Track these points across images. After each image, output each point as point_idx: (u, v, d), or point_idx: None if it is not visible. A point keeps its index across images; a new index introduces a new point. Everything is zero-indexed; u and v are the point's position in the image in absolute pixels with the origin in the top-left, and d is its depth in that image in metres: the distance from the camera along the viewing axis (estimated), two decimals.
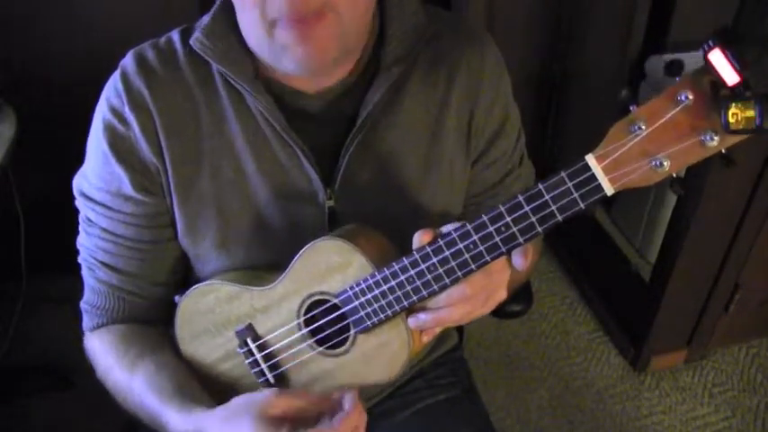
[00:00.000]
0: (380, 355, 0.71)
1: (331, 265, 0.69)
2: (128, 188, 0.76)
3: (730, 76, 0.48)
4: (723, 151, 0.53)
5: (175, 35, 0.78)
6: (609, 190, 0.56)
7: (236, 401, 0.68)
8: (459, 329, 1.12)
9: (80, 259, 0.83)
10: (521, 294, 1.07)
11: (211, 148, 0.76)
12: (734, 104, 0.49)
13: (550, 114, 2.08)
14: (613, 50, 1.78)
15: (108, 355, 0.81)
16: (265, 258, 0.79)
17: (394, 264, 0.65)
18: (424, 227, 0.78)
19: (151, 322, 0.85)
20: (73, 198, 0.81)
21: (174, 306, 0.81)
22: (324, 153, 0.77)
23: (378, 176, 0.78)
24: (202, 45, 0.73)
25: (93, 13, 1.65)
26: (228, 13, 0.74)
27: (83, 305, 0.85)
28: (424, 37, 0.77)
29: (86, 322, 0.85)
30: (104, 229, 0.79)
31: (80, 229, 0.82)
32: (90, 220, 0.80)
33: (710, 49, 0.49)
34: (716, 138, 0.51)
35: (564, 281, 2.06)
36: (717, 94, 0.50)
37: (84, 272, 0.83)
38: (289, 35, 0.65)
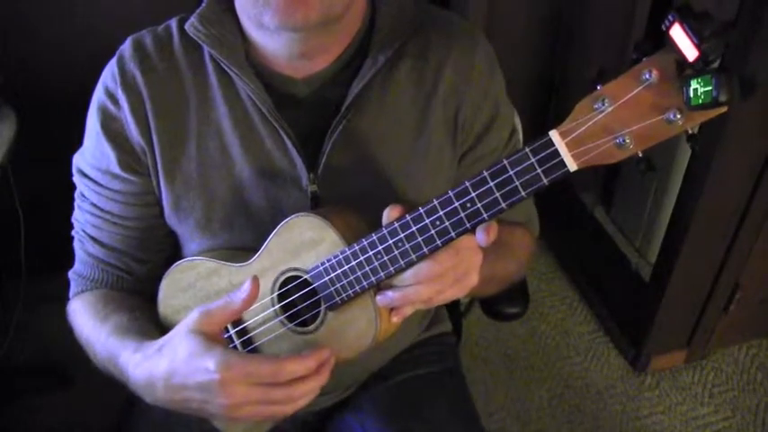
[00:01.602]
0: (348, 332, 0.71)
1: (304, 241, 0.70)
2: (115, 167, 0.79)
3: (690, 50, 0.49)
4: (690, 131, 0.54)
5: (173, 22, 0.81)
6: (572, 166, 0.56)
7: (176, 327, 0.70)
8: (456, 323, 1.12)
9: (73, 232, 0.87)
10: (517, 296, 1.07)
11: (198, 130, 0.78)
12: (694, 80, 0.50)
13: (550, 114, 2.08)
14: (613, 51, 1.78)
15: (85, 312, 0.83)
16: (249, 241, 0.80)
17: (363, 239, 0.66)
18: None
19: (134, 294, 0.87)
20: (71, 175, 0.84)
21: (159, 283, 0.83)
22: (309, 138, 0.78)
23: (361, 163, 0.79)
24: (196, 30, 0.76)
25: (94, 14, 1.65)
26: None
27: (71, 274, 0.88)
28: (412, 26, 0.78)
29: (72, 289, 0.88)
30: (94, 205, 0.83)
31: (75, 204, 0.86)
32: (83, 195, 0.84)
33: (671, 24, 0.50)
34: (679, 115, 0.52)
35: (564, 281, 2.06)
36: (681, 73, 0.51)
37: (76, 244, 0.87)
38: None
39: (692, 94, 0.50)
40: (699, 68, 0.50)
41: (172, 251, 0.88)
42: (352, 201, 0.76)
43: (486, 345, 1.88)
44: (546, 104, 2.07)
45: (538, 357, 1.85)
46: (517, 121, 1.09)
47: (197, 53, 0.78)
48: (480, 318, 1.07)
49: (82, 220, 0.85)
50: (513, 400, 1.73)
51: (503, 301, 1.06)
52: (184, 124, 0.78)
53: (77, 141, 0.85)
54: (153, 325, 0.81)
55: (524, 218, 0.92)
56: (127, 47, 0.80)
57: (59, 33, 1.65)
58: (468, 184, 0.60)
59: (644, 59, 0.53)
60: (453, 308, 1.13)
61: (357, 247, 0.66)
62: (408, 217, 0.63)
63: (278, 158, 0.78)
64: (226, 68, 0.76)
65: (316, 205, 0.79)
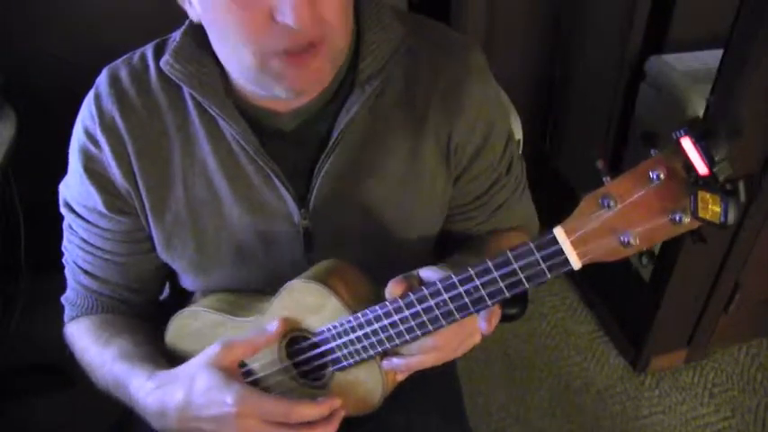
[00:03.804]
0: (356, 391, 0.73)
1: (308, 306, 0.71)
2: (101, 207, 0.78)
3: (700, 165, 0.48)
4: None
5: (149, 52, 0.77)
6: (576, 264, 0.55)
7: (194, 359, 0.71)
8: None
9: (63, 260, 0.86)
10: (516, 298, 1.06)
11: (184, 170, 0.76)
12: (703, 193, 0.49)
13: (550, 114, 2.08)
14: (613, 50, 1.78)
15: (85, 336, 0.82)
16: (243, 278, 0.80)
17: (368, 311, 0.67)
18: (400, 246, 0.78)
19: (133, 316, 0.86)
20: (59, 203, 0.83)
21: (159, 306, 0.83)
22: (298, 173, 0.76)
23: (353, 196, 0.77)
24: (172, 68, 0.72)
25: (94, 13, 1.65)
26: (199, 28, 0.71)
27: (64, 300, 0.87)
28: (398, 51, 0.75)
29: (67, 314, 0.87)
30: (84, 240, 0.81)
31: (64, 234, 0.84)
32: (72, 228, 0.82)
33: (681, 137, 0.49)
34: (686, 219, 0.51)
35: (564, 281, 2.06)
36: (689, 175, 0.50)
37: (67, 273, 0.86)
38: (286, 66, 0.64)
39: (700, 206, 0.49)
40: (708, 182, 0.48)
41: (169, 277, 0.87)
42: (344, 235, 0.77)
43: (486, 345, 1.88)
44: (546, 104, 2.07)
45: (538, 357, 1.85)
46: (516, 125, 1.07)
47: (175, 89, 0.75)
48: None
49: (72, 252, 0.83)
50: (513, 400, 1.73)
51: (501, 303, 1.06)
52: (169, 164, 0.76)
53: None
54: (156, 349, 0.80)
55: (524, 221, 0.90)
56: (103, 82, 0.76)
57: (60, 33, 1.65)
58: (472, 271, 0.60)
59: (652, 154, 0.51)
60: None
61: (363, 319, 0.67)
62: (413, 296, 0.64)
63: (267, 196, 0.76)
64: (206, 107, 0.73)
65: (309, 241, 0.78)
